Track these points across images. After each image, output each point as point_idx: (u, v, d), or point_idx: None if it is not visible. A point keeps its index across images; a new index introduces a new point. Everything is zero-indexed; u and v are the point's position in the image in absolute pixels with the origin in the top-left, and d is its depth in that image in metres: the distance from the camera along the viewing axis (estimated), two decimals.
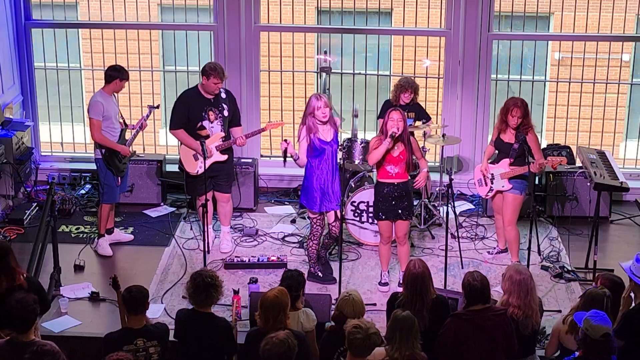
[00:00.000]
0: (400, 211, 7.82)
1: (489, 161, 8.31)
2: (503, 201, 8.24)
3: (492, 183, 8.26)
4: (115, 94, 8.61)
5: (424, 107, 9.42)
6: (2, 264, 6.15)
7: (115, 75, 8.42)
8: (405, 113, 8.37)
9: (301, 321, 6.29)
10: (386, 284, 8.07)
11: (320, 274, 8.10)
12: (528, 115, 8.06)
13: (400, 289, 7.00)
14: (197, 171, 8.45)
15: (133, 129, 8.65)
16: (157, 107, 8.82)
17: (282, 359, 5.35)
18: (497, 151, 8.31)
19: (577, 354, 5.69)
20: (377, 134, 8.20)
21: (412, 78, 9.42)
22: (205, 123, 8.39)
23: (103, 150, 8.46)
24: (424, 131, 9.16)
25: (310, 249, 8.15)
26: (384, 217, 7.88)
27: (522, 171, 8.00)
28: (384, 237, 7.99)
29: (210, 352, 6.14)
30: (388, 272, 8.12)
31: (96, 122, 8.35)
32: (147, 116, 8.64)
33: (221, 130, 8.45)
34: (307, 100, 7.93)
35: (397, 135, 7.63)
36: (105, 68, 8.60)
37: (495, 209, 8.48)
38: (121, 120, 8.62)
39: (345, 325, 5.81)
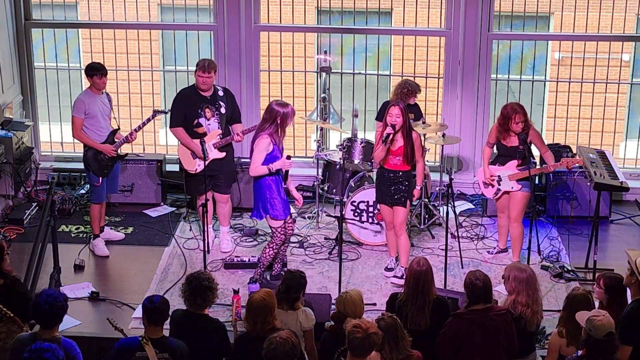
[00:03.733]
0: (396, 197, 7.94)
1: (491, 161, 8.31)
2: (510, 199, 8.23)
3: (499, 184, 8.25)
4: (105, 92, 8.50)
5: (420, 108, 9.40)
6: None
7: (88, 73, 8.41)
8: None
9: (300, 320, 6.30)
10: (392, 269, 8.15)
11: (264, 280, 7.84)
12: (527, 116, 8.09)
13: (400, 290, 7.02)
14: (196, 169, 8.45)
15: (129, 137, 8.50)
16: (166, 112, 8.66)
17: (288, 356, 5.36)
18: (498, 154, 8.29)
19: (580, 352, 5.68)
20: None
21: (413, 80, 9.37)
22: (202, 120, 8.39)
23: (86, 149, 8.46)
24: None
25: (265, 255, 7.88)
26: (381, 201, 8.08)
27: (529, 174, 7.98)
28: (386, 222, 8.18)
29: (205, 353, 6.12)
30: (395, 258, 8.18)
31: (77, 119, 8.36)
32: (149, 120, 8.52)
33: (218, 128, 8.44)
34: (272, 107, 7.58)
35: (391, 136, 7.77)
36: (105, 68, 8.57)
37: (500, 207, 8.44)
38: (113, 119, 8.56)
39: (345, 324, 5.81)
